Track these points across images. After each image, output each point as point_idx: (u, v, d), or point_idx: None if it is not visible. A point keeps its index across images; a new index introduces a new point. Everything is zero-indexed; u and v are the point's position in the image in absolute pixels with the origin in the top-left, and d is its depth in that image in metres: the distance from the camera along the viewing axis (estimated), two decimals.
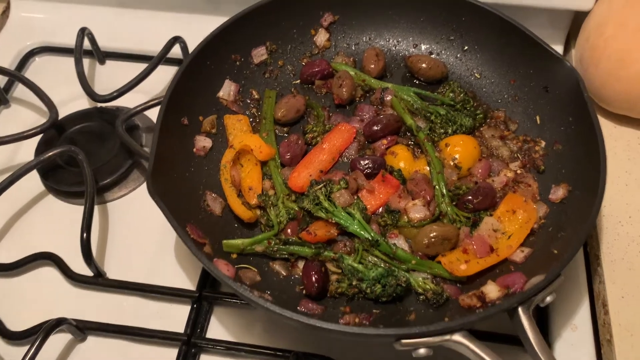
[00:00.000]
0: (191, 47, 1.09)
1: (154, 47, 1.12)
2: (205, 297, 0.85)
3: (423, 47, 1.00)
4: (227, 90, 0.93)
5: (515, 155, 0.89)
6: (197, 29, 1.10)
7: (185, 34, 1.10)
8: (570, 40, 1.12)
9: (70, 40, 1.15)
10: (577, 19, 1.09)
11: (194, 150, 0.88)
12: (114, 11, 1.21)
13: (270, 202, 0.82)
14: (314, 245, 0.78)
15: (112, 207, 0.98)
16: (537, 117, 0.90)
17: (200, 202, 0.84)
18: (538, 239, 0.79)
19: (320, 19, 1.00)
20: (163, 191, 0.76)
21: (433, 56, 0.99)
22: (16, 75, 1.04)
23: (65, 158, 0.97)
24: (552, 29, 1.09)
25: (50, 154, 0.92)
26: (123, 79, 1.06)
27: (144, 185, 0.99)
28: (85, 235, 0.85)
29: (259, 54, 0.97)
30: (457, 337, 0.64)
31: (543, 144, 0.88)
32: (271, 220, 0.81)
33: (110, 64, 1.17)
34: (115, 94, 1.01)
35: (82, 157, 0.92)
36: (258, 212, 0.84)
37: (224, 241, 0.78)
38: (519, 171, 0.87)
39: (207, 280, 0.87)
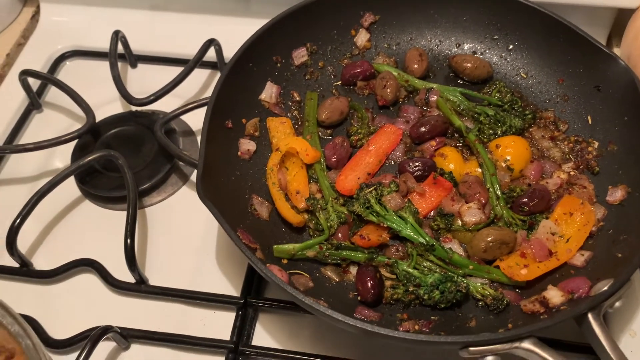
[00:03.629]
0: (224, 50, 1.08)
1: (185, 50, 1.11)
2: (250, 303, 0.83)
3: (466, 46, 0.98)
4: (269, 92, 0.91)
5: (568, 156, 0.87)
6: (228, 30, 1.09)
7: (217, 36, 1.08)
8: (611, 39, 1.10)
9: (100, 44, 1.14)
10: (620, 16, 1.06)
11: (239, 153, 0.86)
12: (143, 14, 1.19)
13: (319, 206, 0.80)
14: (367, 250, 0.76)
15: (151, 212, 0.96)
16: (589, 117, 0.88)
17: (247, 207, 0.82)
18: (598, 242, 0.77)
19: (361, 19, 0.98)
20: (212, 196, 0.74)
21: (477, 56, 0.97)
22: (52, 79, 1.02)
23: (103, 162, 0.96)
24: (593, 27, 1.06)
25: (89, 158, 0.90)
26: (154, 83, 1.04)
27: (182, 190, 0.98)
28: (129, 241, 0.83)
29: (300, 55, 0.95)
30: (526, 344, 0.62)
31: (596, 144, 0.86)
32: (320, 224, 0.79)
33: (141, 67, 1.15)
34: (152, 97, 0.99)
35: (122, 161, 0.90)
36: (306, 216, 0.82)
37: (275, 246, 0.76)
38: (572, 173, 0.84)
39: (251, 286, 0.85)
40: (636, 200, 0.78)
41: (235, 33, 1.07)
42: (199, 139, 1.03)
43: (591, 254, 0.75)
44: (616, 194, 0.80)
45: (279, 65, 0.94)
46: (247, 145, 0.86)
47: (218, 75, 1.11)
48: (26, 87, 1.05)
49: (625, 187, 0.80)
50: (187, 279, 0.88)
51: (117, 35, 1.08)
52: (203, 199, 0.72)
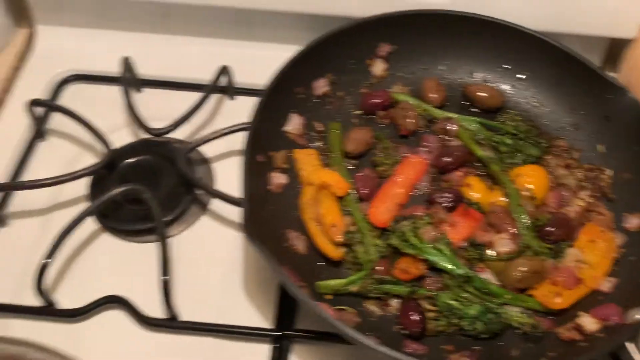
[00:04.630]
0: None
1: (188, 74, 1.11)
2: (287, 335, 0.84)
3: (478, 75, 1.02)
4: (294, 123, 0.93)
5: (583, 184, 0.91)
6: (230, 54, 1.10)
7: (219, 59, 1.08)
8: (605, 66, 1.15)
9: (100, 67, 1.12)
10: (613, 44, 1.12)
11: (271, 187, 0.87)
12: (143, 37, 1.17)
13: (356, 240, 0.81)
14: (409, 284, 0.79)
15: (172, 244, 0.94)
16: (601, 146, 0.93)
17: (283, 242, 0.83)
18: (622, 269, 0.82)
19: (377, 49, 1.00)
20: (257, 236, 0.74)
21: (490, 85, 1.00)
22: (65, 109, 1.00)
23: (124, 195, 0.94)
24: (587, 55, 1.11)
25: (115, 192, 0.88)
26: (160, 108, 1.04)
27: (202, 220, 0.97)
28: (165, 277, 0.83)
29: (320, 85, 0.96)
30: None
31: (610, 172, 0.91)
32: (358, 258, 0.81)
33: (145, 91, 1.13)
34: (171, 126, 0.99)
35: (148, 195, 0.89)
36: (343, 249, 0.83)
37: (320, 282, 0.78)
38: (589, 200, 0.89)
39: (284, 318, 0.86)
40: None
41: (236, 57, 1.09)
42: (212, 167, 1.03)
43: (617, 281, 0.80)
44: (633, 221, 0.85)
45: (301, 96, 0.95)
46: (279, 179, 0.87)
47: (225, 101, 1.11)
48: (34, 116, 1.02)
49: None
50: (215, 312, 0.88)
51: (127, 62, 1.06)
52: (253, 241, 0.73)
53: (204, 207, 0.98)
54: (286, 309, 0.86)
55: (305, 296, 0.68)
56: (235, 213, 0.96)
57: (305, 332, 0.84)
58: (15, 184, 0.95)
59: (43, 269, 0.83)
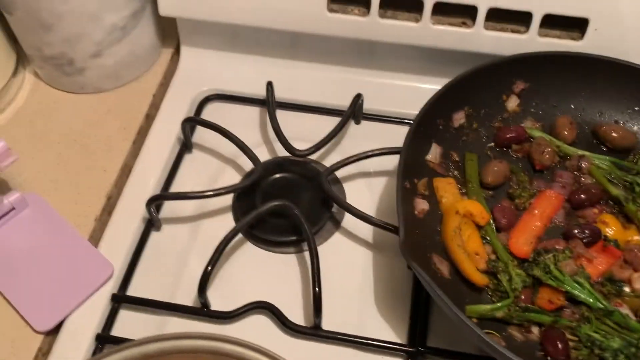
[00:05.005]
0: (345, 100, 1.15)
1: (311, 98, 1.19)
2: (421, 352, 0.90)
3: (608, 115, 1.06)
4: (434, 153, 0.99)
5: None
6: (352, 80, 1.19)
7: (345, 87, 1.16)
8: None
9: (236, 88, 1.22)
10: None
11: (415, 212, 0.93)
12: (273, 62, 1.25)
13: (500, 269, 0.86)
14: (552, 313, 0.83)
15: (308, 257, 1.02)
16: None
17: (430, 266, 0.88)
18: None
19: (512, 85, 1.05)
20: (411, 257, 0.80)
21: (622, 125, 1.04)
22: (218, 127, 1.08)
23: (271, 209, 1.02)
24: None
25: (268, 207, 0.97)
26: (290, 130, 1.11)
27: (335, 236, 1.04)
28: (317, 289, 0.89)
29: (459, 117, 1.02)
30: None
31: None
32: (502, 286, 0.86)
33: (278, 113, 1.21)
34: (312, 149, 1.06)
35: (297, 212, 0.97)
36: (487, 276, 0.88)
37: (470, 306, 0.83)
38: None
39: (416, 335, 0.91)
40: None
41: (359, 83, 1.17)
42: (343, 186, 1.10)
43: None
44: None
45: (440, 127, 1.01)
46: (422, 205, 0.93)
47: (351, 125, 1.18)
48: (186, 133, 1.11)
49: None
50: (351, 323, 0.94)
51: (270, 85, 1.15)
52: (411, 263, 0.79)
53: (337, 224, 1.05)
54: (418, 325, 0.92)
55: (467, 318, 0.74)
56: (365, 231, 1.04)
57: (438, 350, 0.89)
58: (179, 194, 1.04)
59: (206, 275, 0.91)
